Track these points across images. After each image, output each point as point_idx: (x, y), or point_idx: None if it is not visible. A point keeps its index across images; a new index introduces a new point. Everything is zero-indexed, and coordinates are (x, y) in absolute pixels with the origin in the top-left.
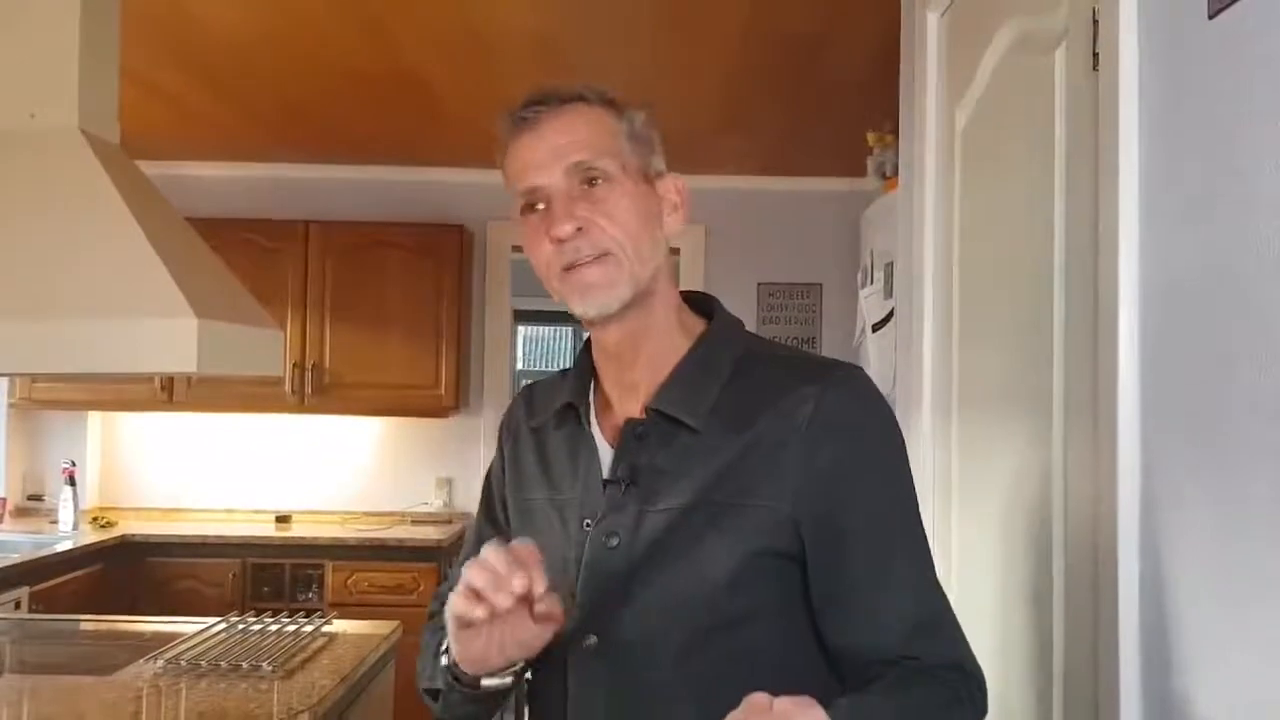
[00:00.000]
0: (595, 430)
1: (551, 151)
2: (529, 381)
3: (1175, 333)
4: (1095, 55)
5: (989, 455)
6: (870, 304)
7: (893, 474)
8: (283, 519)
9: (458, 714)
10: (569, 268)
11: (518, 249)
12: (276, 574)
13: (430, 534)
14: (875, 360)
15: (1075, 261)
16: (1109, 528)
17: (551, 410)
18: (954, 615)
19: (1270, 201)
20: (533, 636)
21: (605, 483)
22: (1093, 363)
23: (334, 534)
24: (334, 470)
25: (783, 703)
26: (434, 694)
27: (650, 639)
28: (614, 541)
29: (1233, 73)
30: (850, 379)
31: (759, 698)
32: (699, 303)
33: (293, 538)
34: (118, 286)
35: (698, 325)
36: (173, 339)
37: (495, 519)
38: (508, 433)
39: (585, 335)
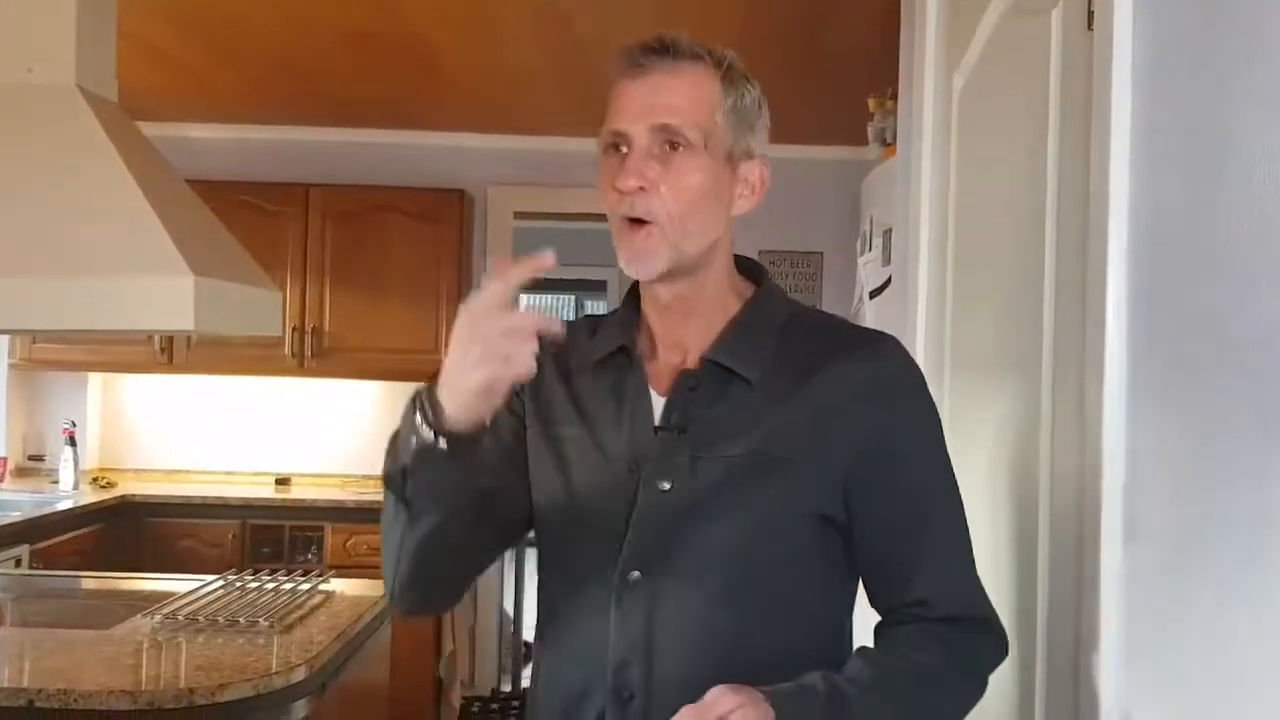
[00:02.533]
0: (645, 376)
1: (645, 106)
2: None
3: (1163, 290)
4: (1090, 13)
5: (979, 416)
6: (869, 271)
7: (938, 439)
8: (282, 481)
9: (430, 489)
10: (627, 221)
11: (520, 214)
12: (276, 535)
13: None
14: (873, 326)
15: (1066, 222)
16: (1094, 483)
17: (598, 352)
18: (979, 581)
19: (1262, 156)
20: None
21: (656, 429)
22: (1081, 321)
23: (333, 496)
24: (334, 433)
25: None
26: (401, 489)
27: (693, 579)
28: (666, 485)
29: (1227, 27)
30: (899, 348)
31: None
32: (747, 268)
33: (292, 500)
34: (115, 244)
35: (747, 289)
36: (170, 297)
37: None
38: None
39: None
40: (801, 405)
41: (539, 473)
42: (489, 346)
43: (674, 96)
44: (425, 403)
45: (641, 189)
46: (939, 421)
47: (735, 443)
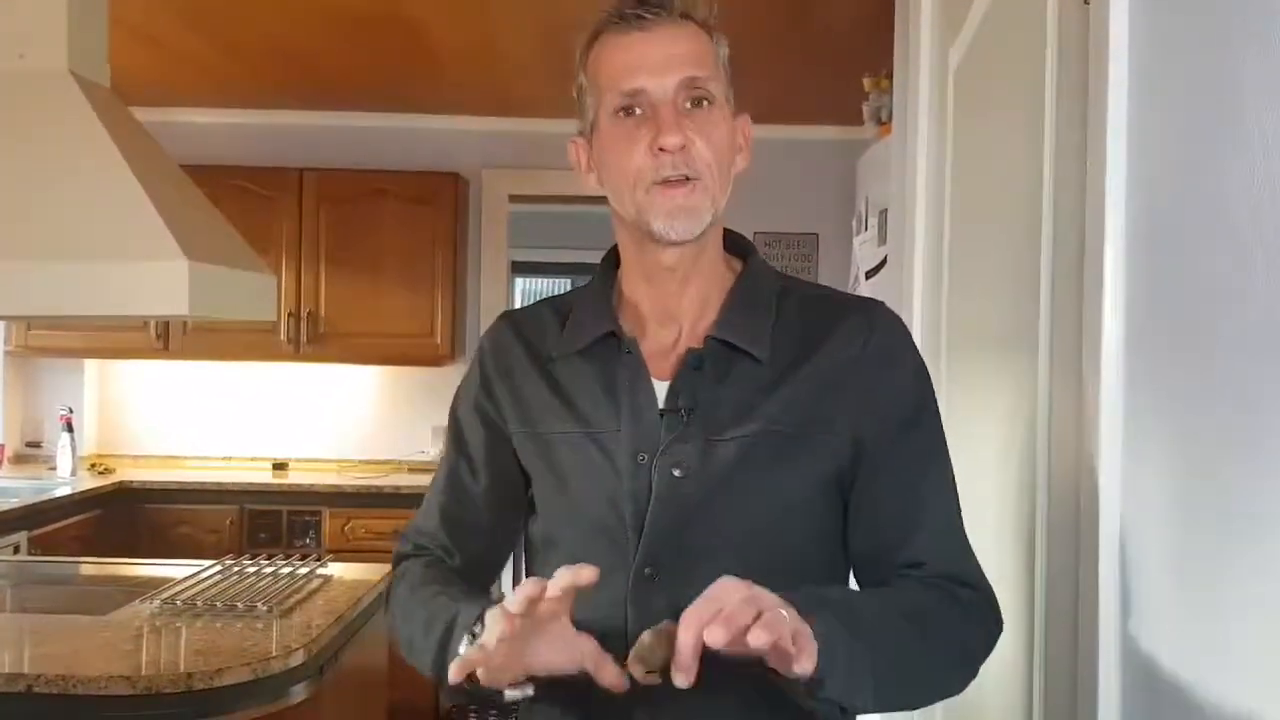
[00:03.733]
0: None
1: (666, 59)
2: (505, 311)
3: (1160, 270)
4: None
5: (976, 396)
6: (864, 251)
7: (933, 401)
8: (280, 466)
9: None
10: (663, 182)
11: (515, 198)
12: (274, 521)
13: (426, 481)
14: None
15: (1063, 200)
16: (1090, 467)
17: (579, 340)
18: (970, 547)
19: (1259, 135)
20: (561, 655)
21: (663, 413)
22: (1078, 302)
23: (331, 481)
24: (331, 419)
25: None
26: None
27: (713, 567)
28: (679, 472)
29: (1226, 2)
30: (889, 314)
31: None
32: (731, 241)
33: (290, 485)
34: (108, 229)
35: (735, 261)
36: (165, 282)
37: (470, 454)
38: (496, 366)
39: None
40: (807, 379)
41: (535, 479)
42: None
43: (691, 47)
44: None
45: (683, 146)
46: (931, 383)
47: (747, 422)
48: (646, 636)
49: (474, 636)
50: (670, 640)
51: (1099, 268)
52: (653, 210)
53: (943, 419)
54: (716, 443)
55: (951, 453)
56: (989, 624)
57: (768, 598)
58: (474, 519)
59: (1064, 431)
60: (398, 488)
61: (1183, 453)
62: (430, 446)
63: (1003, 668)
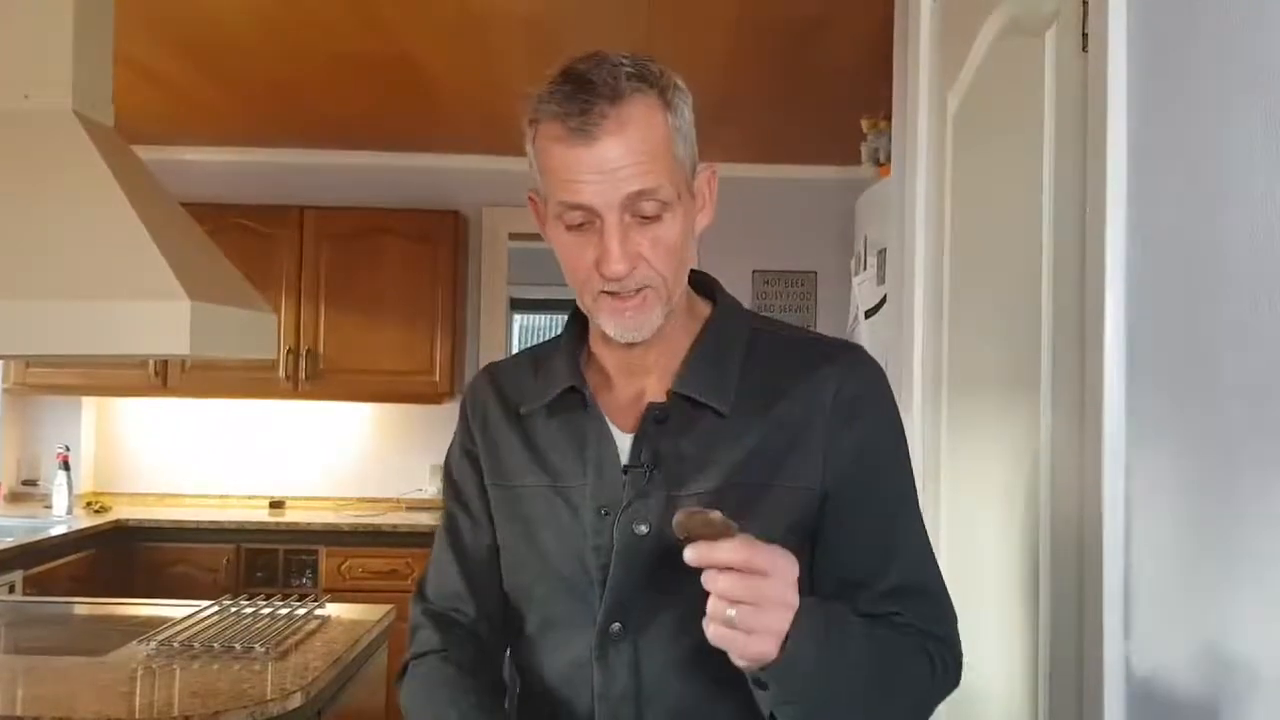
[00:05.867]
0: (602, 413)
1: (610, 175)
2: (488, 363)
3: (1161, 315)
4: (1085, 36)
5: (978, 435)
6: (863, 291)
7: (903, 452)
8: (276, 505)
9: None
10: (613, 294)
11: (515, 236)
12: (270, 559)
13: (424, 520)
14: (869, 346)
15: (1063, 243)
16: (1094, 508)
17: (545, 395)
18: (947, 594)
19: (1259, 177)
20: None
21: (626, 469)
22: (1079, 345)
23: (328, 520)
24: (328, 457)
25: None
26: None
27: (679, 625)
28: (643, 529)
29: (1221, 51)
30: (864, 361)
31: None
32: (698, 282)
33: (287, 523)
34: (111, 268)
35: (703, 306)
36: (166, 321)
37: (468, 505)
38: (475, 418)
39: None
40: (772, 427)
41: (504, 531)
42: None
43: (635, 152)
44: None
45: (631, 269)
46: (904, 433)
47: (709, 476)
48: (681, 515)
49: None
50: (699, 523)
51: (1100, 310)
52: (602, 317)
53: (943, 456)
54: (679, 498)
55: (953, 492)
56: (949, 681)
57: (769, 589)
58: (481, 573)
59: (1066, 469)
60: (395, 526)
61: (1185, 491)
62: (428, 484)
63: (1010, 704)
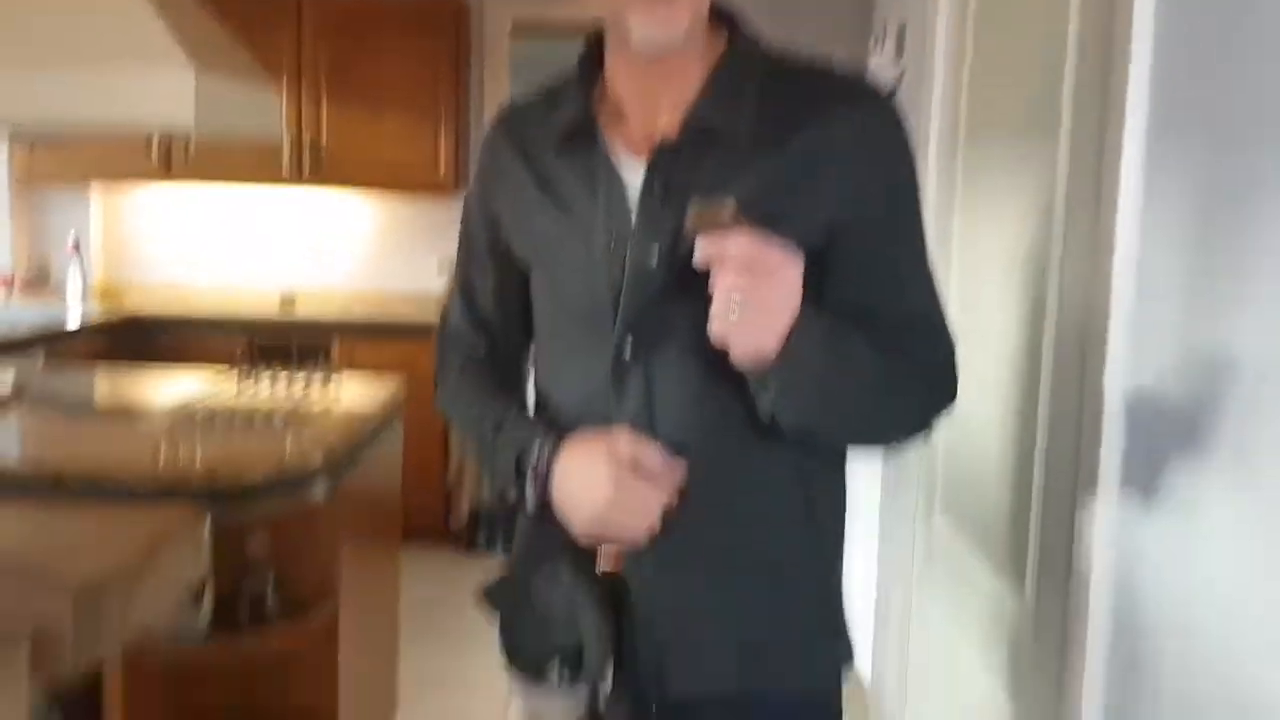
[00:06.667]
0: (615, 145)
1: None
2: (505, 103)
3: (1190, 49)
4: None
5: (995, 191)
6: (879, 74)
7: (918, 194)
8: (287, 299)
9: None
10: None
11: (518, 28)
12: (283, 352)
13: (434, 313)
14: None
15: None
16: (1104, 283)
17: (554, 131)
18: (950, 329)
19: None
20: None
21: (639, 201)
22: (1103, 81)
23: (339, 313)
24: (337, 252)
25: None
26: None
27: (689, 352)
28: (654, 258)
29: None
30: (884, 103)
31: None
32: (719, 12)
33: (298, 318)
34: (112, 34)
35: (722, 36)
36: (171, 91)
37: (474, 246)
38: (492, 164)
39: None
40: (789, 157)
41: (522, 266)
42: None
43: None
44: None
45: None
46: (917, 179)
47: None
48: (694, 208)
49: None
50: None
51: (1126, 43)
52: (634, 13)
53: (957, 206)
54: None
55: (964, 240)
56: (946, 394)
57: (775, 285)
58: (491, 314)
59: (1079, 255)
60: (406, 319)
61: (1198, 220)
62: (436, 280)
63: (1005, 460)
